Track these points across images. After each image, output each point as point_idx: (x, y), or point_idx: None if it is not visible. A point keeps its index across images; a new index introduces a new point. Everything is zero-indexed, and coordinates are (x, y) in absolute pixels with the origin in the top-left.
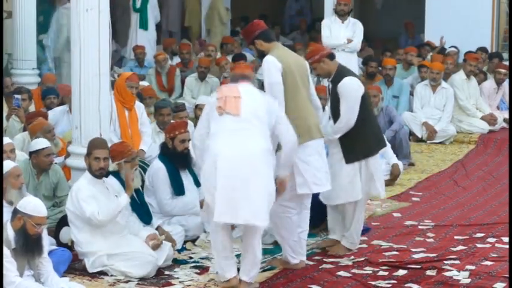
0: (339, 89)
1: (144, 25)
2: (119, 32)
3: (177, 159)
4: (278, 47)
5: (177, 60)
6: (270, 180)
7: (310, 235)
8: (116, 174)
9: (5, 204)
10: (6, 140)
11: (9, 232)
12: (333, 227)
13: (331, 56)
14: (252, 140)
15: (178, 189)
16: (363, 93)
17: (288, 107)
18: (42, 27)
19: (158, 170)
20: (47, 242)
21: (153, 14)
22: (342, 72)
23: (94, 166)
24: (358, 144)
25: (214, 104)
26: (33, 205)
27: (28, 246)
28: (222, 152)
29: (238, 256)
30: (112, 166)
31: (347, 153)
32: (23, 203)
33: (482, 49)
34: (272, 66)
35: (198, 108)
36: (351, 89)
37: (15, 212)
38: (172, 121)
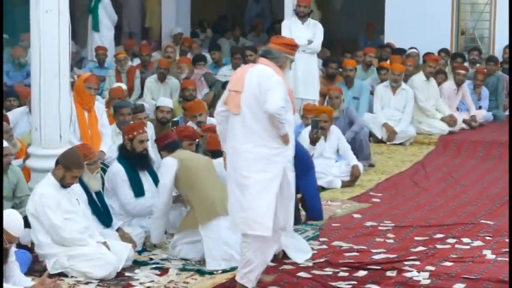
0: None
1: (95, 26)
2: (78, 33)
3: (136, 160)
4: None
5: (138, 61)
6: (265, 185)
7: None
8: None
9: None
10: None
11: None
12: None
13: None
14: (246, 142)
15: (138, 190)
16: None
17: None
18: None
19: (117, 172)
20: (13, 250)
21: (107, 14)
22: None
23: (68, 180)
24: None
25: (226, 92)
26: (13, 224)
27: None
28: (228, 152)
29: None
30: None
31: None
32: (5, 215)
33: (444, 50)
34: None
35: (159, 110)
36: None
37: None
38: (131, 122)
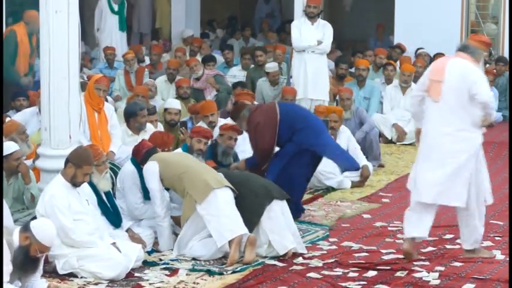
0: None
1: (123, 27)
2: (88, 33)
3: None
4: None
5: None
6: (464, 163)
7: None
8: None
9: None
10: None
11: (15, 240)
12: None
13: None
14: (448, 126)
15: (148, 193)
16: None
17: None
18: None
19: (130, 173)
20: (42, 260)
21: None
22: None
23: (79, 178)
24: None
25: (426, 81)
26: (45, 234)
27: (25, 265)
28: (425, 133)
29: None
30: None
31: (246, 225)
32: (38, 225)
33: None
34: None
35: (167, 112)
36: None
37: (26, 228)
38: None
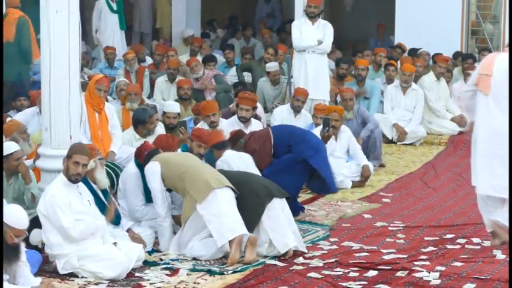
0: None
1: (123, 26)
2: (88, 33)
3: None
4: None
5: (150, 61)
6: None
7: None
8: (83, 178)
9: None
10: None
11: None
12: None
13: None
14: (498, 118)
15: (150, 196)
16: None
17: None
18: None
19: (133, 175)
20: (24, 248)
21: None
22: None
23: (72, 170)
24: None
25: (476, 76)
26: (15, 217)
27: (5, 254)
28: (478, 127)
29: None
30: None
31: (247, 225)
32: (6, 212)
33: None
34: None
35: (166, 115)
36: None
37: None
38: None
